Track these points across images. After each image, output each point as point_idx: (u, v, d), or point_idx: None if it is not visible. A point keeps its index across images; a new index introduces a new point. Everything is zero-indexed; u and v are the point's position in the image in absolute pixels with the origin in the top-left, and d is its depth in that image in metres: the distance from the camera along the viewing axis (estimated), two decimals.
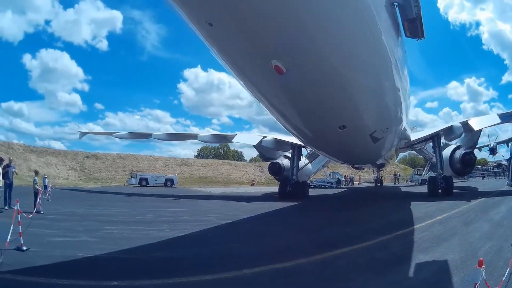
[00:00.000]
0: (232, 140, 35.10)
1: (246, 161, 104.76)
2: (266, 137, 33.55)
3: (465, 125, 29.98)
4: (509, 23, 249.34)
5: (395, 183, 65.92)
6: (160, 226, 13.78)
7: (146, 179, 56.01)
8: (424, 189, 38.23)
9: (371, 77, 11.80)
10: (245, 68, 10.34)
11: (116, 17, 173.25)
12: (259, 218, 18.24)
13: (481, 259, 4.88)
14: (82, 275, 7.03)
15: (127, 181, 56.09)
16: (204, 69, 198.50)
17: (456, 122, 31.24)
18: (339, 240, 11.84)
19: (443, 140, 33.44)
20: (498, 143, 71.20)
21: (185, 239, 11.54)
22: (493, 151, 69.71)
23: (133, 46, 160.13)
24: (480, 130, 31.44)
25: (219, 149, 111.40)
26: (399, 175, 74.12)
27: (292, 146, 32.39)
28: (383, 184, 59.44)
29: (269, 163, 34.53)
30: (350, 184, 64.41)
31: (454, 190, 29.06)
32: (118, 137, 39.97)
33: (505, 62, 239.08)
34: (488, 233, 12.31)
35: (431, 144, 33.68)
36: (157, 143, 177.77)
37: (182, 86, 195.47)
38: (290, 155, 33.75)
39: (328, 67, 9.83)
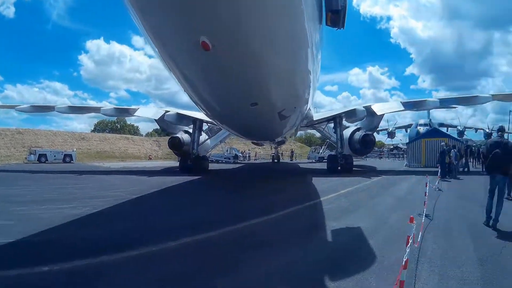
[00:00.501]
0: (134, 114, 34.22)
1: (142, 135, 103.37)
2: (168, 111, 33.52)
3: (368, 109, 32.83)
4: (421, 21, 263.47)
5: (291, 160, 68.51)
6: (71, 203, 13.10)
7: (45, 155, 52.74)
8: (322, 166, 41.17)
9: (290, 59, 12.23)
10: (171, 42, 10.17)
11: None
12: (168, 192, 18.22)
13: (412, 216, 5.89)
14: (9, 263, 6.46)
15: (26, 158, 52.71)
16: (107, 41, 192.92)
17: (360, 106, 33.91)
18: (254, 211, 12.34)
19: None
20: (396, 128, 76.16)
21: (101, 215, 11.25)
22: (391, 134, 74.88)
23: (39, 14, 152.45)
24: (382, 115, 34.20)
25: (116, 123, 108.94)
26: (293, 152, 75.92)
27: (194, 120, 32.62)
28: (280, 161, 61.03)
29: (168, 137, 34.30)
30: (247, 160, 65.96)
31: (353, 168, 31.47)
32: (20, 111, 36.52)
33: (411, 56, 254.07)
34: (393, 206, 13.93)
35: (332, 124, 35.76)
36: (55, 116, 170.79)
37: (83, 58, 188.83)
38: (190, 130, 34.04)
39: (252, 45, 9.99)
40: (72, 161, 52.61)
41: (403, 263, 4.65)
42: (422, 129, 60.56)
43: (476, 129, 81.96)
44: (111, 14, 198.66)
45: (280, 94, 15.40)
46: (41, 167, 38.86)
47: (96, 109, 36.17)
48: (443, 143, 30.62)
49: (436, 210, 11.94)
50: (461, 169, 29.41)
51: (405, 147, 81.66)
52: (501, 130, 11.01)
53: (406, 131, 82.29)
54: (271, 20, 9.10)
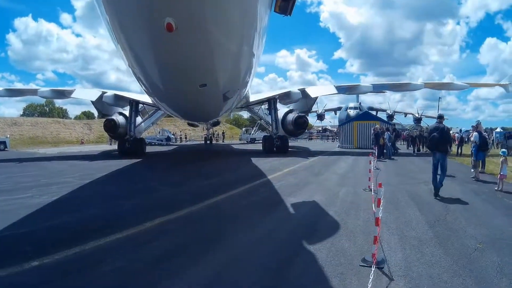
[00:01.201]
0: (71, 96, 33.30)
1: (71, 118, 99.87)
2: (106, 92, 33.18)
3: (303, 91, 34.21)
4: (352, 6, 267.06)
5: (222, 141, 68.98)
6: (27, 192, 12.88)
7: None
8: (255, 147, 43.61)
9: (241, 42, 13.03)
10: (134, 21, 10.47)
11: None
12: (118, 176, 18.49)
13: (380, 182, 7.00)
14: None
15: None
16: (35, 18, 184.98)
17: (294, 88, 35.10)
18: (209, 191, 13.13)
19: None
20: (326, 110, 78.05)
21: (65, 202, 11.31)
22: (320, 117, 76.72)
23: None
24: (316, 98, 36.38)
25: (44, 106, 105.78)
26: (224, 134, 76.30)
27: (131, 102, 32.52)
28: (212, 142, 61.32)
29: (100, 120, 34.06)
30: (179, 142, 65.56)
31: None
32: None
33: (340, 40, 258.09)
34: (338, 182, 15.41)
35: (265, 106, 37.27)
36: None
37: (11, 37, 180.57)
38: (124, 112, 34.46)
39: (212, 28, 10.68)
40: (6, 149, 49.48)
41: (375, 221, 5.95)
42: (352, 112, 63.28)
43: (406, 114, 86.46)
44: None
45: (228, 76, 16.29)
46: None
47: (33, 91, 34.49)
48: (377, 126, 32.58)
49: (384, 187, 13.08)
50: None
51: (334, 129, 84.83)
52: (440, 117, 13.11)
53: (335, 114, 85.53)
54: (230, 4, 9.91)
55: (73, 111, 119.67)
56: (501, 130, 45.73)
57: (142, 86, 18.58)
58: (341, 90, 35.80)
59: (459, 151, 30.74)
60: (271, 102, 34.27)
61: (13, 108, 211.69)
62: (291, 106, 37.55)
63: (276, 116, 33.58)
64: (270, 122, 33.69)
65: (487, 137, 21.34)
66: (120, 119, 32.98)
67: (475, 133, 17.27)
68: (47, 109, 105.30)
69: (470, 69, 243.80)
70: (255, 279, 5.32)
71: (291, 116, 35.48)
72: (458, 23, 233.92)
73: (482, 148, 16.98)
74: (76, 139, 67.56)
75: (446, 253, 6.40)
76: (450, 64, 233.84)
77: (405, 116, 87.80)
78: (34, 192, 12.98)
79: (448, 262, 5.94)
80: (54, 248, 6.56)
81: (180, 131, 75.09)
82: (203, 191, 13.38)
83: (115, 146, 46.74)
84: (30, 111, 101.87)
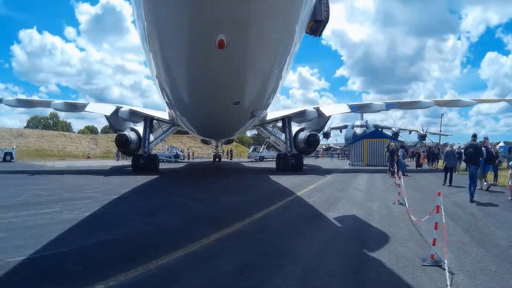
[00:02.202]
0: (85, 110, 33.04)
1: (75, 132, 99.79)
2: (121, 107, 33.02)
3: (317, 110, 34.16)
4: (354, 24, 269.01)
5: (230, 159, 67.79)
6: (53, 207, 12.34)
7: None
8: (266, 165, 43.81)
9: (279, 61, 12.90)
10: (182, 37, 10.29)
11: None
12: (143, 191, 18.10)
13: (439, 192, 7.32)
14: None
15: None
16: (40, 31, 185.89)
17: (309, 107, 35.15)
18: (244, 207, 13.05)
19: None
20: (332, 128, 77.88)
21: (100, 219, 10.77)
22: (327, 135, 76.13)
23: None
24: (329, 117, 36.34)
25: (49, 119, 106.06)
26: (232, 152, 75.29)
27: (145, 118, 32.51)
28: (221, 160, 60.69)
29: (109, 135, 34.02)
30: (187, 159, 65.00)
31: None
32: None
33: (342, 58, 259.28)
34: (365, 198, 15.76)
35: (279, 123, 37.13)
36: None
37: (15, 48, 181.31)
38: (136, 128, 34.14)
39: (260, 46, 10.80)
40: (12, 160, 49.15)
41: (434, 226, 6.91)
42: (358, 130, 63.10)
43: (410, 131, 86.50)
44: (46, 1, 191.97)
45: (261, 95, 16.41)
46: None
47: (46, 103, 35.00)
48: (392, 143, 32.83)
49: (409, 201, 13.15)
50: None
51: (338, 147, 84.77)
52: (474, 136, 16.03)
53: (341, 132, 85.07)
54: (278, 23, 9.79)
55: (77, 125, 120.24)
56: (504, 144, 46.57)
57: (165, 98, 18.33)
58: (352, 108, 36.00)
59: None
60: (286, 120, 34.07)
61: (15, 119, 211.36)
62: (302, 125, 37.33)
63: (291, 135, 33.42)
64: (284, 141, 33.47)
65: (498, 151, 22.29)
66: (132, 135, 32.78)
67: (482, 148, 17.54)
68: (51, 122, 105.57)
69: (471, 84, 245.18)
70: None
71: (302, 135, 35.53)
72: (459, 38, 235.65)
73: (488, 161, 18.47)
74: (82, 153, 67.42)
75: (487, 251, 7.43)
76: (452, 80, 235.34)
77: (410, 133, 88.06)
78: (61, 206, 12.49)
79: (491, 258, 6.97)
80: (112, 268, 6.05)
81: (188, 148, 74.89)
82: (237, 207, 13.15)
83: (123, 162, 47.30)
84: (34, 123, 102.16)
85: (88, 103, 34.10)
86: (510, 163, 17.24)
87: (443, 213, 6.73)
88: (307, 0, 9.15)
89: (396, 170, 22.68)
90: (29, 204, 12.99)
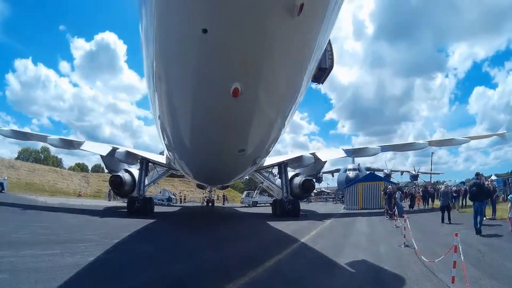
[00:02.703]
0: (81, 148, 32.90)
1: (65, 168, 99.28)
2: (118, 148, 33.03)
3: (314, 156, 34.33)
4: (343, 67, 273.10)
5: (223, 204, 67.91)
6: (54, 248, 11.84)
7: None
8: (260, 210, 44.22)
9: (286, 108, 12.92)
10: (197, 85, 10.20)
11: None
12: (145, 235, 17.58)
13: (456, 232, 8.09)
14: None
15: None
16: (35, 62, 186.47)
17: (306, 152, 35.37)
18: (254, 254, 12.88)
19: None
20: (323, 172, 78.00)
21: (108, 265, 10.27)
22: (319, 179, 76.24)
23: None
24: (325, 162, 36.50)
25: (40, 153, 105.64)
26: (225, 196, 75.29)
27: (141, 160, 32.45)
28: (214, 205, 60.70)
29: (101, 174, 33.90)
30: (179, 202, 64.42)
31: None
32: None
33: (332, 101, 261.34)
34: (371, 241, 16.03)
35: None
36: None
37: (10, 77, 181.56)
38: (130, 169, 34.14)
39: (271, 96, 10.83)
40: (3, 191, 48.16)
41: (453, 264, 7.59)
42: (351, 174, 63.45)
43: (402, 172, 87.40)
44: (43, 33, 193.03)
45: (266, 142, 16.43)
46: None
47: (42, 138, 34.77)
48: (390, 186, 33.62)
49: (411, 241, 13.72)
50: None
51: (329, 191, 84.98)
52: (477, 174, 18.45)
53: (332, 176, 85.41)
54: (290, 73, 9.85)
55: (67, 161, 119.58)
56: (496, 178, 46.74)
57: (165, 140, 18.17)
58: (349, 153, 36.66)
59: (463, 203, 32.69)
60: (282, 166, 34.05)
61: (6, 149, 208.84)
62: (297, 170, 37.08)
63: (287, 180, 33.16)
64: (280, 186, 33.18)
65: (495, 186, 24.57)
66: (126, 177, 32.62)
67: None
68: (42, 156, 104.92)
69: (459, 120, 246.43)
70: None
71: (297, 180, 35.41)
72: (446, 76, 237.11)
73: (485, 197, 18.82)
74: (74, 191, 66.81)
75: (500, 283, 8.19)
76: (440, 118, 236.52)
77: (402, 174, 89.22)
78: (61, 249, 11.93)
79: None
80: None
81: (180, 192, 74.61)
82: (245, 255, 12.83)
83: (115, 203, 47.12)
84: (25, 156, 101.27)
85: (84, 141, 34.11)
86: (510, 196, 18.59)
87: (461, 252, 7.42)
88: (316, 51, 9.23)
89: (395, 212, 24.51)
90: (28, 243, 12.60)
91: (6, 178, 53.02)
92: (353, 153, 37.51)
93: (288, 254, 12.83)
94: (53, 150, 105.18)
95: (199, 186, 48.43)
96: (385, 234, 18.65)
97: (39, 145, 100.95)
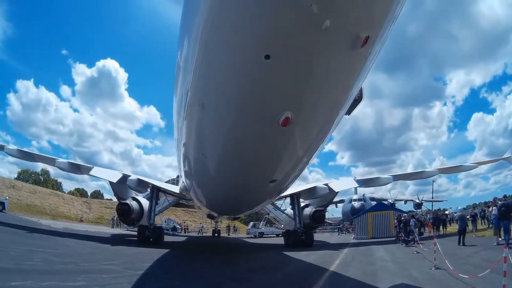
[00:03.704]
0: (90, 173, 32.42)
1: (64, 192, 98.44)
2: (129, 176, 32.64)
3: (327, 186, 34.37)
4: None
5: (229, 234, 67.14)
6: (76, 279, 10.77)
7: None
8: (267, 241, 45.13)
9: (322, 143, 13.02)
10: (247, 113, 9.82)
11: None
12: (165, 267, 16.69)
13: (505, 245, 9.33)
14: None
15: None
16: (36, 84, 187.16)
17: (319, 183, 35.32)
18: (292, 284, 12.99)
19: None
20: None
21: None
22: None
23: None
24: (337, 192, 36.31)
25: (40, 175, 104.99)
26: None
27: (152, 188, 32.16)
28: (220, 235, 60.50)
29: (103, 200, 33.79)
30: (182, 232, 63.99)
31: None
32: None
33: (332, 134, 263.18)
34: (399, 267, 16.23)
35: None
36: None
37: (11, 96, 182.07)
38: (138, 197, 34.04)
39: (318, 122, 10.58)
40: (4, 210, 47.03)
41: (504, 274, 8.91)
42: (357, 204, 63.38)
43: (405, 201, 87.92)
44: (45, 55, 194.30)
45: (296, 174, 15.96)
46: None
47: (50, 160, 34.45)
48: (405, 214, 35.53)
49: (440, 264, 14.69)
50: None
51: (332, 221, 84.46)
52: (504, 196, 22.05)
53: (336, 206, 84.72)
54: (337, 104, 9.67)
55: (66, 185, 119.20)
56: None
57: (187, 168, 17.69)
58: (360, 183, 36.90)
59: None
60: (294, 197, 33.61)
61: (4, 169, 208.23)
62: (307, 200, 37.00)
63: (300, 211, 32.86)
64: (293, 217, 32.79)
65: None
66: (133, 204, 32.38)
67: (494, 207, 22.80)
68: (42, 178, 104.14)
69: (458, 147, 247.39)
70: None
71: (308, 211, 35.27)
72: (445, 104, 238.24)
73: (507, 216, 20.56)
74: (75, 216, 66.22)
75: None
76: (439, 146, 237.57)
77: (405, 203, 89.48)
78: (85, 280, 10.97)
79: None
80: None
81: (184, 222, 74.15)
82: (281, 285, 12.63)
83: (118, 230, 47.78)
84: (24, 177, 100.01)
85: (93, 167, 33.73)
86: None
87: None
88: (361, 81, 9.09)
89: (415, 238, 25.10)
90: (46, 272, 11.55)
91: (7, 198, 52.21)
92: (364, 183, 37.10)
93: (325, 284, 12.55)
94: (52, 173, 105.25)
95: (209, 217, 47.93)
96: (409, 259, 19.11)
97: (39, 167, 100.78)
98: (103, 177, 33.55)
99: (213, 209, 27.41)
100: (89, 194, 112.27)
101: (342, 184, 37.04)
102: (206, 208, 28.59)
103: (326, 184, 34.41)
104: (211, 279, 13.93)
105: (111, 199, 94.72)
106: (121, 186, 32.57)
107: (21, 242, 19.00)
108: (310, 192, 34.10)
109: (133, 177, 32.52)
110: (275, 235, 56.85)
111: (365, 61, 7.69)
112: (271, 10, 6.33)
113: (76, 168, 33.72)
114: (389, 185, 44.72)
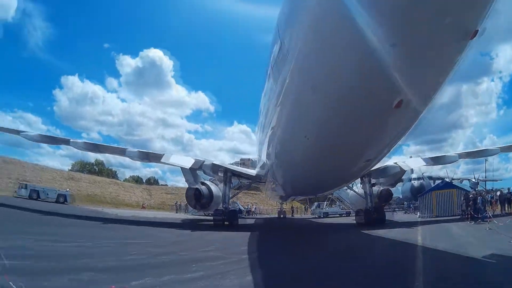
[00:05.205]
0: (161, 161, 32.83)
1: (120, 180, 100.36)
2: (203, 160, 33.30)
3: (397, 165, 34.55)
4: None
5: (292, 215, 67.30)
6: (190, 270, 10.19)
7: (37, 192, 48.90)
8: (334, 220, 45.48)
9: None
10: (363, 94, 10.66)
11: (10, 3, 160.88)
12: (269, 249, 16.83)
13: None
14: None
15: (16, 192, 48.99)
16: (81, 79, 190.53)
17: (390, 162, 34.97)
18: (403, 259, 12.75)
19: None
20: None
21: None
22: None
23: (18, 38, 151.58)
24: (405, 171, 36.74)
25: (94, 166, 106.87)
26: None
27: (226, 172, 32.59)
28: (286, 216, 61.07)
29: (163, 187, 34.76)
30: (245, 214, 63.39)
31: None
32: (26, 138, 35.20)
33: None
34: (482, 241, 16.78)
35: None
36: (27, 150, 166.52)
37: (57, 93, 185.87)
38: (206, 182, 34.44)
39: (423, 106, 11.67)
40: (66, 202, 49.32)
41: None
42: (416, 183, 62.60)
43: (461, 180, 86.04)
44: (87, 50, 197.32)
45: (387, 153, 17.15)
46: (42, 206, 36.75)
47: (121, 151, 35.19)
48: (474, 192, 35.88)
49: None
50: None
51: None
52: None
53: (393, 186, 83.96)
54: (435, 88, 10.67)
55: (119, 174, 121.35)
56: None
57: (272, 149, 18.96)
58: (427, 161, 36.80)
59: None
60: (365, 177, 32.85)
61: (55, 161, 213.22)
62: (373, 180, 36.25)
63: (371, 190, 32.64)
64: (364, 196, 32.64)
65: None
66: (203, 189, 32.84)
67: None
68: (96, 168, 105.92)
69: (508, 125, 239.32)
70: None
71: (375, 190, 35.34)
72: (492, 80, 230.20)
73: None
74: (136, 203, 68.37)
75: None
76: (489, 124, 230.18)
77: (461, 182, 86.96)
78: (201, 269, 10.32)
79: None
80: None
81: (251, 203, 75.36)
82: (392, 262, 12.35)
83: (183, 215, 49.80)
84: (78, 168, 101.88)
85: (163, 154, 33.99)
86: None
87: None
88: (455, 69, 9.73)
89: (483, 215, 26.87)
90: (154, 266, 10.89)
91: (68, 190, 53.96)
92: (432, 161, 36.96)
93: (432, 255, 12.79)
94: (107, 163, 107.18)
95: (282, 198, 48.05)
96: (485, 235, 19.14)
97: (91, 158, 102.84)
98: (176, 163, 33.79)
99: (295, 190, 29.09)
100: (143, 181, 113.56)
101: (410, 163, 36.82)
102: (282, 190, 30.00)
103: (396, 163, 34.26)
104: (321, 262, 13.22)
105: (166, 185, 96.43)
106: (192, 172, 32.94)
107: (104, 235, 19.38)
108: (381, 171, 33.74)
109: (208, 161, 33.23)
110: (338, 215, 57.03)
111: (467, 51, 8.58)
112: (404, 5, 7.40)
113: (145, 156, 34.28)
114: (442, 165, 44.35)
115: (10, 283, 5.85)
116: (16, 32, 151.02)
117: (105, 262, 10.91)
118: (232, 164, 42.54)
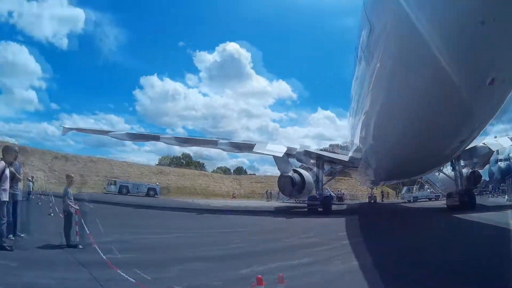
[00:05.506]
0: (254, 150, 33.23)
1: (207, 171, 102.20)
2: (295, 148, 33.01)
3: (486, 145, 32.63)
4: None
5: (382, 200, 65.13)
6: (304, 257, 10.36)
7: (127, 187, 52.84)
8: (424, 205, 43.92)
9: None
10: (457, 74, 10.61)
11: (79, 16, 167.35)
12: (376, 236, 16.08)
13: None
14: None
15: (105, 188, 52.64)
16: (160, 78, 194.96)
17: (479, 143, 32.13)
18: None
19: None
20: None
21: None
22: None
23: (92, 47, 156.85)
24: (493, 152, 35.49)
25: (181, 159, 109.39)
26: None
27: (318, 158, 32.60)
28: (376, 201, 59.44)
29: (253, 175, 34.87)
30: (340, 201, 60.13)
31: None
32: (114, 137, 37.68)
33: None
34: None
35: None
36: (111, 148, 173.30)
37: (137, 93, 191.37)
38: (298, 170, 33.48)
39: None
40: (156, 195, 52.02)
41: None
42: (503, 164, 59.50)
43: None
44: (164, 50, 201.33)
45: (478, 133, 16.86)
46: (133, 200, 38.77)
47: (213, 142, 35.73)
48: None
49: None
50: None
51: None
52: None
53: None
54: None
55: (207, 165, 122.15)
56: None
57: (371, 132, 19.17)
58: None
59: None
60: (455, 159, 30.94)
61: (141, 157, 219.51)
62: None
63: (461, 173, 31.34)
64: (454, 179, 31.44)
65: None
66: (295, 177, 32.00)
67: None
68: (184, 162, 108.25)
69: None
70: None
71: (464, 172, 33.06)
72: None
73: None
74: (226, 193, 69.96)
75: None
76: None
77: None
78: (313, 255, 10.78)
79: None
80: None
81: (339, 190, 71.90)
82: None
83: (275, 203, 49.14)
84: (165, 163, 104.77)
85: (255, 144, 34.15)
86: None
87: None
88: None
89: None
90: (262, 254, 11.27)
91: (157, 183, 56.50)
92: None
93: None
94: (199, 156, 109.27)
95: (373, 183, 47.21)
96: None
97: (177, 152, 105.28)
98: (268, 152, 33.46)
99: (389, 174, 28.68)
100: (231, 171, 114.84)
101: (497, 144, 34.30)
102: (375, 174, 30.05)
103: (484, 143, 32.46)
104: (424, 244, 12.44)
105: (254, 174, 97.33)
106: (284, 159, 32.61)
107: (202, 225, 20.30)
108: (470, 153, 32.04)
109: (301, 149, 33.05)
110: (427, 199, 54.65)
111: None
112: None
113: (240, 147, 34.94)
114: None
115: (126, 275, 6.53)
116: (90, 41, 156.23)
117: (212, 252, 11.12)
118: (321, 149, 42.10)
